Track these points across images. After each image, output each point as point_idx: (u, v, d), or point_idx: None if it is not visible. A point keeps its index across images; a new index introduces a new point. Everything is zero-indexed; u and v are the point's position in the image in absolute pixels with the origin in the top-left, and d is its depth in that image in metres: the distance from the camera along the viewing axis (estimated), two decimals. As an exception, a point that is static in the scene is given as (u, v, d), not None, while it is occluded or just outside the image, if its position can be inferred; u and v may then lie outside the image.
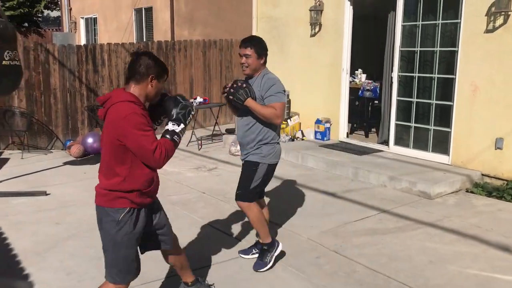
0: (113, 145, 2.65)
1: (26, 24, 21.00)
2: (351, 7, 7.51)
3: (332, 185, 6.06)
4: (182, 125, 2.79)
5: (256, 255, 3.96)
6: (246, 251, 4.09)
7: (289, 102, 8.43)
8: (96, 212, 2.81)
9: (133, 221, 2.73)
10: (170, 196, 5.59)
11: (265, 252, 3.85)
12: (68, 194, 5.82)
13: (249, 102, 3.58)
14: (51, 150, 8.34)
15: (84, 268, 3.87)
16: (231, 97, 3.59)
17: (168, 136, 2.73)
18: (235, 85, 3.60)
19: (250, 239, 4.38)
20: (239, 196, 3.78)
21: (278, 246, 3.91)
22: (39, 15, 22.71)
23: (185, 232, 4.60)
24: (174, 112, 2.81)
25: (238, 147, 7.85)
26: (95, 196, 2.80)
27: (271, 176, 3.86)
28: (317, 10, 7.78)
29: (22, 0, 20.02)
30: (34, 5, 20.94)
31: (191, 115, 2.86)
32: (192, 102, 3.17)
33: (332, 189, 5.88)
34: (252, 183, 3.74)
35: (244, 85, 3.62)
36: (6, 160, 7.58)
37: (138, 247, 2.88)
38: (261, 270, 3.79)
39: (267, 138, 3.71)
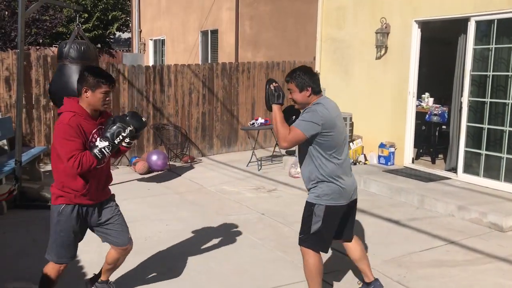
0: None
1: (99, 45, 22.21)
2: (419, 29, 7.33)
3: (396, 212, 5.86)
4: (106, 143, 3.05)
5: None
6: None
7: (351, 125, 8.29)
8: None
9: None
10: (229, 216, 5.61)
11: None
12: (132, 210, 5.98)
13: (274, 108, 3.37)
14: (117, 166, 8.67)
15: (146, 284, 3.93)
16: (271, 88, 3.39)
17: (92, 150, 3.05)
18: (276, 85, 3.41)
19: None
20: (300, 240, 3.44)
21: None
22: (112, 36, 23.98)
23: (243, 252, 4.59)
24: (105, 129, 3.10)
25: (298, 169, 7.81)
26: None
27: (336, 221, 3.42)
28: (383, 32, 7.67)
29: (96, 23, 21.26)
30: (108, 27, 22.16)
31: (120, 136, 3.09)
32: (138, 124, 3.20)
33: (396, 216, 5.68)
34: (312, 227, 3.36)
35: (281, 91, 3.40)
36: (76, 174, 7.93)
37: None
38: None
39: (320, 176, 3.33)
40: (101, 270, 3.68)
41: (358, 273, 3.98)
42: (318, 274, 3.40)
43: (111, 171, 3.52)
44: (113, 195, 3.54)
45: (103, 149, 3.04)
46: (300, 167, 3.52)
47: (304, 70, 3.43)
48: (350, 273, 4.15)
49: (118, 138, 3.08)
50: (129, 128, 3.11)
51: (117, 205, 3.51)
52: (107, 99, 3.16)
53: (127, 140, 3.14)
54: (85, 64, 5.60)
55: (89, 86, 3.11)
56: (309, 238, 3.39)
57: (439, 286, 3.92)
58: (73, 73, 5.56)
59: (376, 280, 3.69)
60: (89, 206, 3.29)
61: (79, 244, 4.73)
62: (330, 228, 3.41)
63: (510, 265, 4.37)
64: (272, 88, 3.40)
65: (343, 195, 3.37)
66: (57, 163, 3.19)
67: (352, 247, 3.68)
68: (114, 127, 3.08)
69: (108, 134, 3.07)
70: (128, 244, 3.50)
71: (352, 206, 3.54)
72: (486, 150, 6.48)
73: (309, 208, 3.40)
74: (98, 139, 3.09)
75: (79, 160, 2.99)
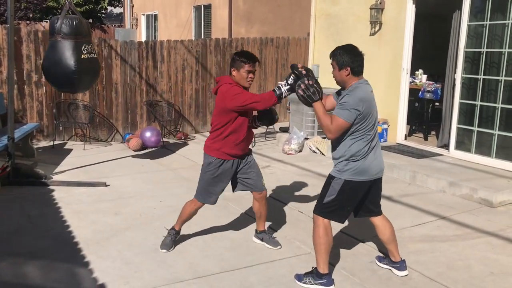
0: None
1: (90, 20, 21.86)
2: (414, 5, 7.29)
3: (388, 188, 5.91)
4: (284, 82, 3.62)
5: (387, 267, 3.83)
6: (380, 258, 3.96)
7: (345, 101, 8.30)
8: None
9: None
10: (223, 192, 5.64)
11: (309, 274, 3.59)
12: (127, 186, 6.02)
13: (316, 105, 3.37)
14: (111, 143, 8.66)
15: (141, 259, 3.99)
16: (300, 92, 3.38)
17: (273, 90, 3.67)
18: (306, 83, 3.37)
19: (302, 240, 4.35)
20: (314, 207, 3.58)
21: (325, 284, 3.52)
22: (103, 11, 23.60)
23: (238, 228, 4.64)
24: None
25: (292, 146, 7.86)
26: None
27: (353, 197, 3.50)
28: (378, 8, 7.61)
29: (88, -3, 20.89)
30: (99, 2, 21.78)
31: (292, 79, 3.56)
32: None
33: (388, 192, 5.74)
34: (325, 198, 3.49)
35: (315, 84, 3.39)
36: (69, 151, 7.93)
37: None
38: (297, 281, 3.62)
39: (348, 154, 3.40)
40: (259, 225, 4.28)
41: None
42: (324, 242, 3.49)
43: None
44: (251, 149, 4.17)
45: (282, 88, 3.57)
46: (332, 144, 3.57)
47: (346, 49, 3.41)
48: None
49: (300, 86, 3.37)
50: (305, 78, 3.39)
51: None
52: (249, 76, 3.76)
53: (303, 83, 3.39)
54: (77, 40, 5.51)
55: (236, 66, 3.75)
56: (320, 207, 3.53)
57: (429, 261, 4.00)
58: (66, 49, 5.46)
59: (403, 261, 3.78)
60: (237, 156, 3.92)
61: (74, 220, 4.79)
62: (346, 202, 3.50)
63: (499, 239, 4.45)
64: (302, 92, 3.38)
65: (366, 172, 3.42)
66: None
67: (382, 228, 3.74)
68: (298, 76, 3.44)
69: (291, 79, 3.53)
70: (264, 190, 4.13)
71: (377, 184, 3.59)
72: (478, 127, 6.53)
73: (328, 180, 3.54)
74: (280, 83, 3.63)
75: (261, 97, 3.64)
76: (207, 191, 3.99)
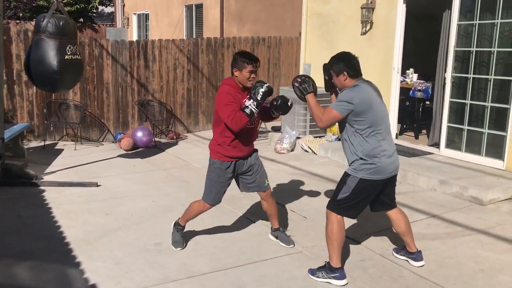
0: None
1: (81, 20, 21.73)
2: (404, 5, 7.32)
3: (379, 186, 5.95)
4: (251, 101, 3.73)
5: (404, 258, 3.95)
6: (396, 250, 4.09)
7: (336, 101, 8.34)
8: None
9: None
10: (216, 192, 5.65)
11: (322, 268, 3.68)
12: (118, 186, 6.00)
13: (308, 98, 3.69)
14: (102, 143, 8.62)
15: (133, 259, 3.98)
16: (296, 84, 3.72)
17: (243, 110, 3.73)
18: (303, 78, 3.74)
19: (294, 239, 4.37)
20: (328, 203, 3.70)
21: (338, 278, 3.59)
22: (94, 11, 23.46)
23: (230, 228, 4.65)
24: (249, 92, 3.79)
25: (284, 145, 7.87)
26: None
27: (368, 194, 3.63)
28: (368, 8, 7.64)
29: (78, -4, 20.75)
30: (90, 1, 21.65)
31: (260, 92, 3.70)
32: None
33: (379, 191, 5.77)
34: (339, 194, 3.61)
35: (310, 80, 3.73)
36: (60, 151, 7.89)
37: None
38: (310, 276, 3.71)
39: (359, 153, 3.52)
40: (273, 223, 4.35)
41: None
42: (337, 238, 3.60)
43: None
44: (256, 149, 4.22)
45: (250, 106, 3.70)
46: (342, 144, 3.72)
47: (340, 57, 3.66)
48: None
49: (259, 94, 3.68)
50: (266, 85, 3.71)
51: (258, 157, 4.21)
52: (251, 76, 3.80)
53: (265, 92, 3.69)
54: (62, 40, 5.45)
55: (237, 67, 3.79)
56: (334, 203, 3.64)
57: (420, 258, 4.03)
58: (50, 48, 5.34)
59: (419, 251, 3.90)
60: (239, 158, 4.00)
61: (65, 221, 4.77)
62: (359, 199, 3.61)
63: (489, 237, 4.49)
64: (297, 84, 3.74)
65: (381, 171, 3.54)
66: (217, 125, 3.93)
67: (397, 221, 3.88)
68: (255, 88, 3.72)
69: (251, 94, 3.73)
70: (268, 189, 4.17)
71: (391, 180, 3.71)
72: (468, 125, 6.58)
73: (343, 178, 3.65)
74: (246, 100, 3.77)
75: (234, 118, 3.68)
76: (212, 192, 4.04)
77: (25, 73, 5.84)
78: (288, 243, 4.25)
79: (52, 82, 5.49)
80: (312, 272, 3.72)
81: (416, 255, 3.90)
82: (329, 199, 3.73)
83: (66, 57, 5.44)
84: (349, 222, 4.71)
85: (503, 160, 6.14)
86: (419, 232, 4.57)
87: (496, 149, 6.27)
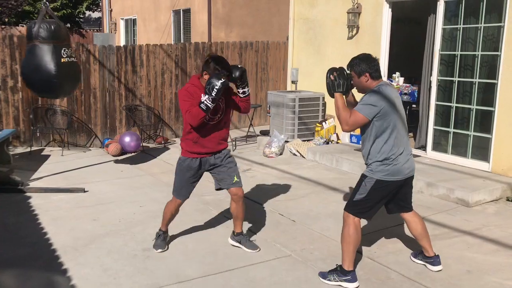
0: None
1: (68, 25, 21.60)
2: (390, 9, 7.40)
3: (367, 189, 5.98)
4: (206, 96, 3.74)
5: (421, 262, 3.95)
6: (414, 254, 4.08)
7: (324, 105, 8.39)
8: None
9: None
10: (204, 196, 5.64)
11: (334, 272, 3.68)
12: (106, 192, 5.96)
13: (337, 96, 3.64)
14: (89, 148, 8.57)
15: (120, 265, 3.95)
16: (331, 77, 3.65)
17: (199, 105, 3.77)
18: (339, 72, 3.66)
19: (283, 243, 4.37)
20: (345, 206, 3.71)
21: (350, 281, 3.60)
22: (81, 16, 23.34)
23: (219, 232, 4.64)
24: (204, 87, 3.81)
25: (272, 149, 7.88)
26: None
27: (384, 196, 3.63)
28: (355, 12, 7.70)
29: (65, 1, 20.63)
30: (77, 6, 21.54)
31: (215, 88, 3.69)
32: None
33: (366, 194, 5.80)
34: (355, 196, 3.63)
35: (347, 78, 3.66)
36: (47, 157, 7.82)
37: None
38: (321, 279, 3.70)
39: (377, 154, 3.56)
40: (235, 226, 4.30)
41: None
42: (353, 241, 3.61)
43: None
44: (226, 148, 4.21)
45: (205, 101, 3.72)
46: (361, 145, 3.73)
47: (362, 58, 3.66)
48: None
49: (214, 90, 3.69)
50: (220, 81, 3.70)
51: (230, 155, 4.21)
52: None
53: (220, 88, 3.70)
54: (56, 43, 5.41)
55: (209, 72, 3.84)
56: (351, 205, 3.66)
57: (408, 261, 4.05)
58: (45, 53, 5.31)
59: (437, 256, 3.90)
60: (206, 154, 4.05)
61: (52, 227, 4.72)
62: (376, 200, 3.63)
63: (475, 238, 4.54)
64: (332, 78, 3.66)
65: (397, 173, 3.58)
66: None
67: (413, 224, 3.89)
68: (210, 83, 3.72)
69: (206, 89, 3.74)
70: (234, 188, 4.11)
71: (408, 182, 3.74)
72: (454, 128, 6.65)
73: (361, 179, 3.67)
74: (202, 96, 3.77)
75: (190, 113, 3.78)
76: (180, 187, 4.12)
77: (25, 84, 5.77)
78: (253, 248, 4.21)
79: (53, 87, 5.45)
80: (323, 275, 3.73)
81: (434, 260, 3.89)
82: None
83: (62, 60, 5.41)
84: (335, 225, 4.74)
85: (489, 162, 6.21)
86: (407, 234, 4.60)
87: (481, 151, 6.34)
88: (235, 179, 4.13)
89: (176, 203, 4.17)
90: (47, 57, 5.32)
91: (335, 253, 4.19)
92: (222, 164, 4.12)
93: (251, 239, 4.35)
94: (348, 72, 3.73)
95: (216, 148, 4.09)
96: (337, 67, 3.72)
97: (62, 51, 5.44)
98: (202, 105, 3.75)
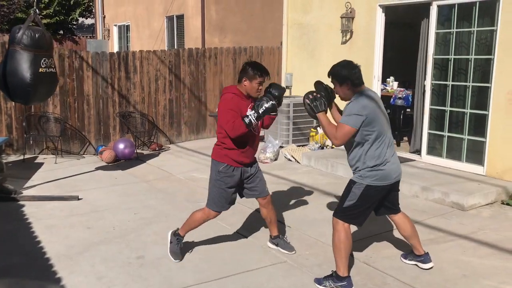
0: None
1: (61, 32, 21.57)
2: (383, 14, 7.43)
3: (362, 194, 5.97)
4: (252, 111, 3.78)
5: (412, 262, 3.99)
6: (405, 255, 4.11)
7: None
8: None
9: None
10: (199, 203, 5.61)
11: (330, 278, 3.67)
12: (100, 199, 5.92)
13: (320, 116, 3.63)
14: (83, 155, 8.52)
15: (115, 273, 3.92)
16: (307, 101, 3.66)
17: (243, 118, 3.79)
18: (314, 94, 3.68)
19: (278, 248, 4.35)
20: (334, 212, 3.71)
21: (345, 286, 3.59)
22: (74, 22, 23.31)
23: (213, 239, 4.61)
24: (254, 103, 3.84)
25: (267, 154, 7.86)
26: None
27: (373, 201, 3.65)
28: (348, 17, 7.73)
29: (58, 8, 20.61)
30: (70, 13, 21.52)
31: (263, 107, 3.74)
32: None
33: (362, 198, 5.79)
34: (345, 202, 3.62)
35: (322, 97, 3.67)
36: (40, 164, 7.77)
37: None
38: (317, 285, 3.69)
39: (364, 161, 3.55)
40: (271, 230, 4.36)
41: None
42: (345, 247, 3.60)
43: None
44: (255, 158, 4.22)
45: (250, 116, 3.75)
46: (347, 153, 3.72)
47: (343, 65, 3.65)
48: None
49: (262, 108, 3.73)
50: (271, 102, 3.75)
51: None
52: (259, 88, 3.92)
53: (268, 108, 3.75)
54: (37, 53, 5.36)
55: (248, 77, 3.88)
56: (340, 211, 3.65)
57: (404, 265, 4.04)
58: (24, 61, 5.25)
59: (426, 253, 3.95)
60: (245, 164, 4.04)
61: (45, 236, 4.67)
62: (366, 206, 3.63)
63: (471, 242, 4.53)
64: (308, 101, 3.67)
65: (386, 177, 3.58)
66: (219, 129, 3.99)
67: (402, 225, 3.93)
68: (260, 101, 3.77)
69: (255, 106, 3.78)
70: (268, 195, 4.19)
71: (395, 186, 3.76)
72: (449, 132, 6.67)
73: (349, 185, 3.66)
74: (248, 110, 3.85)
75: (232, 124, 3.77)
76: (219, 199, 4.01)
77: None
78: (290, 250, 4.27)
79: (25, 94, 5.41)
80: (319, 281, 3.71)
81: (424, 258, 3.94)
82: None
83: (40, 70, 5.37)
84: (330, 230, 4.72)
85: (483, 166, 6.23)
86: (402, 239, 4.57)
87: (476, 155, 6.36)
88: (266, 187, 4.21)
89: (211, 215, 4.07)
90: (25, 65, 5.27)
91: (331, 258, 4.16)
92: (257, 173, 4.15)
93: (287, 240, 4.38)
94: (324, 85, 3.77)
95: (254, 159, 4.17)
96: (313, 88, 3.79)
97: (42, 60, 5.41)
98: (246, 119, 3.76)
